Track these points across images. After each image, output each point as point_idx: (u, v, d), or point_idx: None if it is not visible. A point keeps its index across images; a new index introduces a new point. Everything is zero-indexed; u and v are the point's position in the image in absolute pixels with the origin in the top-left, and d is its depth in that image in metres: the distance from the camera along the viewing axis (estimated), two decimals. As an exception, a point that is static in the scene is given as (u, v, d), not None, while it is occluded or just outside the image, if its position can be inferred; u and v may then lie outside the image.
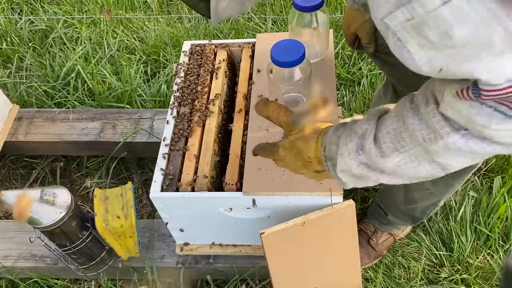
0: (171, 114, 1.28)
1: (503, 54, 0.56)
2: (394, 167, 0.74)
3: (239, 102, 1.29)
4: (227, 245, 1.35)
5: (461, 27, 0.54)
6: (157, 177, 1.16)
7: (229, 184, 1.13)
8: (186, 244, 1.35)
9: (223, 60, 1.39)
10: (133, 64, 2.13)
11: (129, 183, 1.27)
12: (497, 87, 0.59)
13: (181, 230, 1.28)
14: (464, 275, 1.49)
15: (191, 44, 1.45)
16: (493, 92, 0.59)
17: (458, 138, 0.68)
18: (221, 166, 1.26)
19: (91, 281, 1.51)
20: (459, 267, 1.52)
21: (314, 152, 0.82)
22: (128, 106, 1.93)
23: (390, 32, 0.60)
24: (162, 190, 1.15)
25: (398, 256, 1.57)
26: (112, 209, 1.21)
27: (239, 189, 1.11)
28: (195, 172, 1.17)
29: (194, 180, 1.15)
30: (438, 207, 1.44)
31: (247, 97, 1.29)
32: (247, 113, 1.25)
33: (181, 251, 1.35)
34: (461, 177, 1.25)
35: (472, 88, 0.62)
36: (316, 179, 0.87)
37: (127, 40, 2.29)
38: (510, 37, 0.54)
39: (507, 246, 1.55)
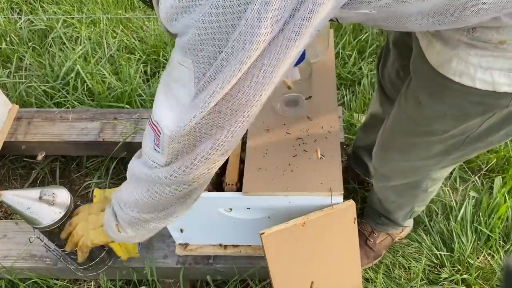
0: (171, 114, 1.28)
1: (171, 108, 0.73)
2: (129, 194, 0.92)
3: (239, 102, 1.28)
4: (227, 245, 1.34)
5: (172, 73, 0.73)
6: (157, 177, 1.16)
7: (229, 184, 1.13)
8: (186, 244, 1.35)
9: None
10: (133, 64, 2.13)
11: None
12: (151, 119, 0.79)
13: (181, 231, 1.28)
14: (465, 276, 1.49)
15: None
16: (149, 121, 0.79)
17: (137, 163, 0.86)
18: (221, 166, 1.25)
19: (91, 281, 1.51)
20: (459, 267, 1.52)
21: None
22: (127, 106, 1.93)
23: None
24: (161, 190, 1.14)
25: (399, 256, 1.56)
26: None
27: (239, 189, 1.11)
28: (195, 172, 1.16)
29: (194, 180, 1.14)
30: (416, 213, 1.46)
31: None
32: (247, 113, 1.25)
33: (181, 251, 1.35)
34: (421, 189, 1.27)
35: None
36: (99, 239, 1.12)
37: (127, 40, 2.28)
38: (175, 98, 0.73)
39: (508, 247, 1.55)
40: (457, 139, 1.01)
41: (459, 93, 0.88)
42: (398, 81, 1.24)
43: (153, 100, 1.96)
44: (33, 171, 1.87)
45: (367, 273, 1.52)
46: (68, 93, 2.01)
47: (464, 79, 0.85)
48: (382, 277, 1.50)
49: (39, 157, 1.17)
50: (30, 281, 1.47)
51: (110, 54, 2.20)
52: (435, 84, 0.92)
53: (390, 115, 1.15)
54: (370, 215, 1.54)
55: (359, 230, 1.55)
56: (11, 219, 1.74)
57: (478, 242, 1.56)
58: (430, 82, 0.94)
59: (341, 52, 2.14)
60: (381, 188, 1.36)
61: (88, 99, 2.00)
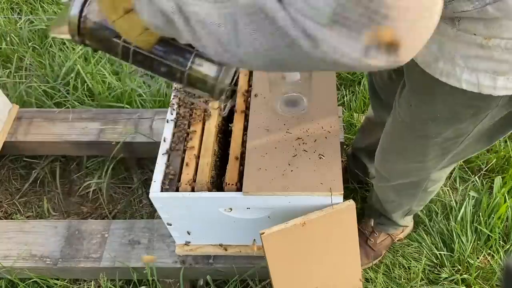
0: (171, 114, 1.28)
1: None
2: (198, 16, 0.65)
3: (239, 102, 1.28)
4: (227, 245, 1.35)
5: None
6: (157, 177, 1.16)
7: (229, 184, 1.13)
8: (186, 244, 1.35)
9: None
10: (133, 64, 2.13)
11: None
12: None
13: (188, 233, 1.28)
14: (465, 275, 1.49)
15: (191, 44, 1.44)
16: None
17: None
18: (221, 166, 1.25)
19: (91, 281, 1.51)
20: (459, 267, 1.52)
21: None
22: (128, 106, 1.93)
23: None
24: (162, 190, 1.14)
25: (399, 256, 1.57)
26: None
27: (239, 189, 1.11)
28: (195, 172, 1.16)
29: (194, 180, 1.15)
30: (413, 211, 1.46)
31: (247, 97, 1.29)
32: (247, 113, 1.25)
33: (181, 251, 1.35)
34: (420, 188, 1.27)
35: None
36: (123, 29, 0.75)
37: (127, 40, 2.28)
38: None
39: (508, 246, 1.55)
40: (453, 141, 1.01)
41: (448, 95, 0.87)
42: (390, 82, 1.24)
43: (153, 101, 1.97)
44: (33, 171, 1.87)
45: (367, 273, 1.52)
46: (68, 93, 2.01)
47: (451, 79, 0.83)
48: (382, 277, 1.51)
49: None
50: (30, 280, 1.47)
51: (110, 54, 2.20)
52: (425, 86, 0.91)
53: (389, 117, 1.16)
54: (371, 214, 1.54)
55: (359, 229, 1.55)
56: (11, 219, 1.74)
57: (478, 242, 1.56)
58: (421, 85, 0.93)
59: (341, 52, 2.14)
60: (382, 188, 1.36)
61: (88, 99, 2.00)
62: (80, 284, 1.53)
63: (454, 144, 1.02)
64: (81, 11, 0.82)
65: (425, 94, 0.94)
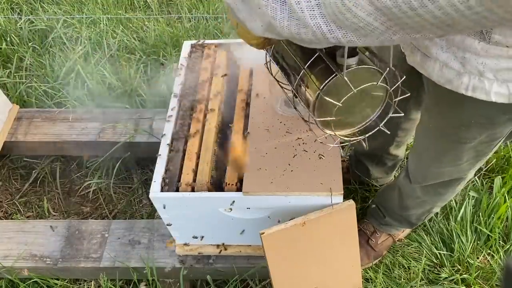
0: (171, 114, 1.28)
1: None
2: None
3: (239, 101, 1.28)
4: (227, 245, 1.35)
5: None
6: (157, 177, 1.16)
7: (229, 184, 1.13)
8: (186, 244, 1.35)
9: (223, 60, 1.39)
10: (133, 64, 2.13)
11: None
12: None
13: (194, 237, 1.28)
14: (465, 275, 1.49)
15: (191, 44, 1.45)
16: None
17: None
18: (219, 166, 1.25)
19: (91, 281, 1.51)
20: (459, 267, 1.52)
21: None
22: (128, 106, 1.93)
23: None
24: (162, 190, 1.14)
25: (398, 256, 1.57)
26: None
27: (239, 189, 1.11)
28: (195, 172, 1.17)
29: (194, 180, 1.15)
30: (432, 213, 1.45)
31: (247, 97, 1.29)
32: (247, 113, 1.25)
33: (181, 251, 1.35)
34: (451, 188, 1.26)
35: None
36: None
37: (127, 40, 2.28)
38: None
39: (508, 246, 1.55)
40: (487, 144, 1.01)
41: (481, 104, 0.86)
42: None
43: (153, 101, 1.97)
44: (34, 171, 1.87)
45: (367, 273, 1.52)
46: (68, 93, 2.01)
47: (477, 93, 0.82)
48: (382, 277, 1.51)
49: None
50: (31, 281, 1.47)
51: (110, 54, 2.20)
52: (452, 97, 0.90)
53: (419, 123, 1.15)
54: (374, 215, 1.54)
55: (361, 229, 1.55)
56: (12, 219, 1.74)
57: (478, 242, 1.56)
58: (446, 97, 0.92)
59: (341, 52, 2.14)
60: (411, 186, 1.33)
61: (88, 99, 2.00)
62: (80, 284, 1.53)
63: (488, 147, 1.03)
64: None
65: (453, 105, 0.93)
